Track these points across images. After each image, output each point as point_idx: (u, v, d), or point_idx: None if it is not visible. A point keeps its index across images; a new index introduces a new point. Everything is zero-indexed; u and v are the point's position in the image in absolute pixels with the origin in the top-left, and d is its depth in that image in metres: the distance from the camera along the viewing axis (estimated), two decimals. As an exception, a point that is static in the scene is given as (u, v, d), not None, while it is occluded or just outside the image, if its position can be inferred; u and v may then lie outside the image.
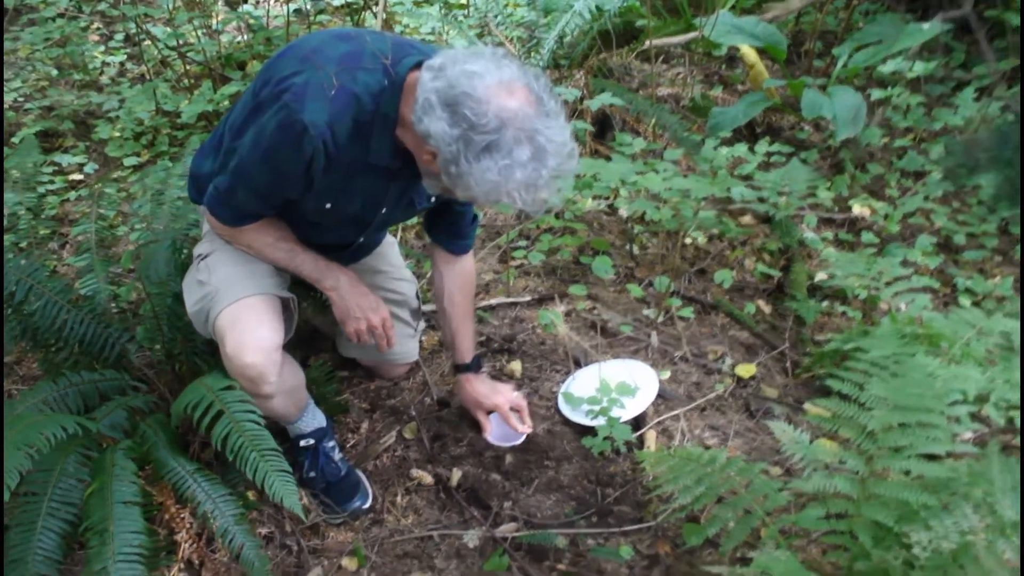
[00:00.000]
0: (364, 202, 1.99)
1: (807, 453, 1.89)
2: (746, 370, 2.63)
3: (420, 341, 2.60)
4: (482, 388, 2.36)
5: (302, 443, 2.22)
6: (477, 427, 2.36)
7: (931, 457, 1.79)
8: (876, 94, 3.73)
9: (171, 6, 4.31)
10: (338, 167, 1.82)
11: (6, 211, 2.70)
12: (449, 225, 2.23)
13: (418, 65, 1.73)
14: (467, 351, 2.35)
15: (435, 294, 2.36)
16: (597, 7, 3.96)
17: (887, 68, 3.70)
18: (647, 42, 3.92)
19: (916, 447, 1.78)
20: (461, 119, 1.60)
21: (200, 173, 2.08)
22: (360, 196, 1.96)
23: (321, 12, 4.73)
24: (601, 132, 3.81)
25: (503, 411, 2.32)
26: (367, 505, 2.21)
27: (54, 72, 4.61)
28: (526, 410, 2.37)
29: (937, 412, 1.84)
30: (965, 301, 3.05)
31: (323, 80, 1.73)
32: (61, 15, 4.97)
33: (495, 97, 1.61)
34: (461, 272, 2.29)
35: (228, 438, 1.79)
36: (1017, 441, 2.42)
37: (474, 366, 2.36)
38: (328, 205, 1.94)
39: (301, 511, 1.82)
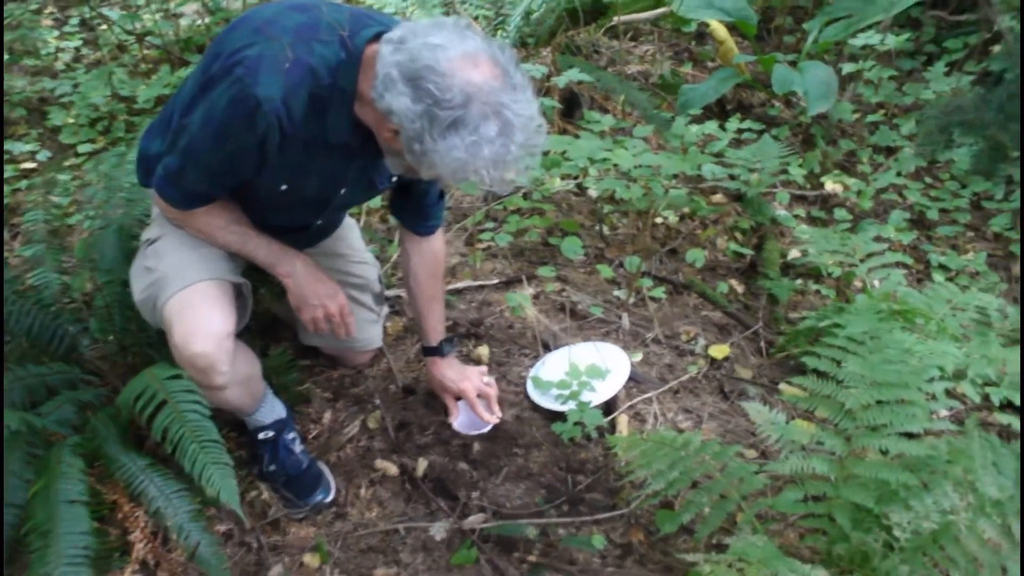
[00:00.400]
0: (322, 182, 1.89)
1: (783, 434, 1.84)
2: (719, 351, 2.57)
3: (384, 327, 2.53)
4: (450, 372, 2.29)
5: (261, 436, 2.13)
6: (444, 414, 2.29)
7: (910, 436, 1.74)
8: (847, 68, 3.68)
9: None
10: (294, 144, 1.73)
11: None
12: (414, 205, 2.14)
13: (377, 37, 1.64)
14: (434, 334, 2.27)
15: (403, 276, 2.28)
16: (564, -17, 3.89)
17: (858, 42, 3.65)
18: (615, 18, 3.84)
19: (895, 425, 1.74)
20: (424, 94, 1.52)
21: (149, 154, 1.98)
22: (317, 175, 1.86)
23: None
24: (569, 111, 3.73)
25: (470, 398, 2.25)
26: (330, 498, 2.13)
27: (5, 57, 4.46)
28: (494, 397, 2.29)
29: (915, 389, 1.80)
30: (939, 277, 3.02)
31: (277, 52, 1.63)
32: (13, -1, 4.82)
33: (459, 70, 1.52)
34: (428, 252, 2.20)
35: (168, 429, 1.70)
36: (993, 418, 2.39)
37: (441, 349, 2.28)
38: (284, 186, 1.85)
39: (239, 506, 1.72)
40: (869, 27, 3.75)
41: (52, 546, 1.63)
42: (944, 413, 2.38)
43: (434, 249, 2.22)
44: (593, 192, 3.33)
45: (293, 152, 1.75)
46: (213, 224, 1.92)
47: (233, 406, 2.01)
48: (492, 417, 2.26)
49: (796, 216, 3.31)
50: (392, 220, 3.12)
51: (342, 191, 1.95)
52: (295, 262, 1.97)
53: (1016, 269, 3.15)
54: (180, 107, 1.83)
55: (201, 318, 1.81)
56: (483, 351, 2.53)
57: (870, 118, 3.81)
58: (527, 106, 1.57)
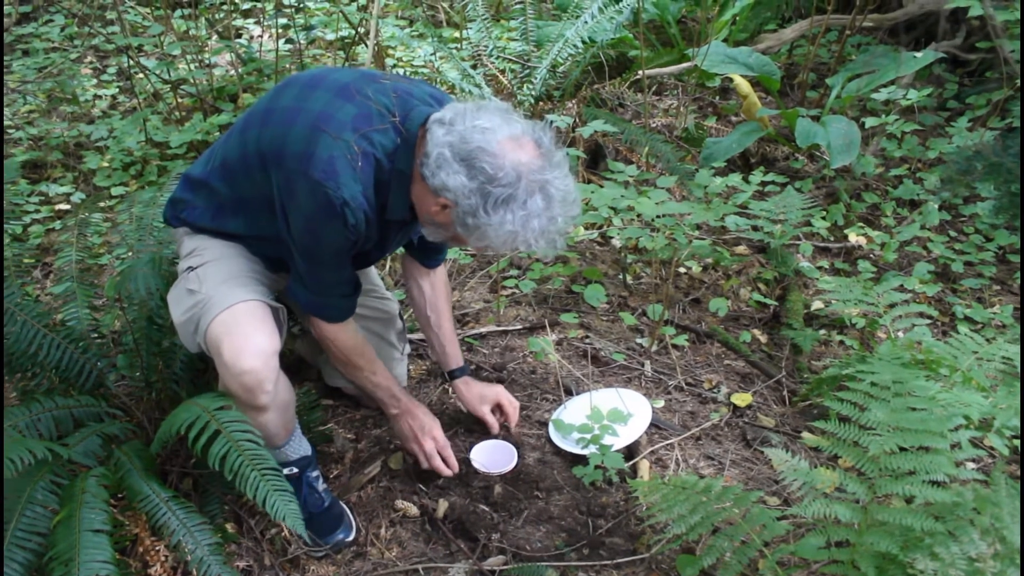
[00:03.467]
0: (374, 249, 2.04)
1: (806, 480, 1.82)
2: (742, 399, 2.56)
3: (408, 370, 2.54)
4: (480, 388, 2.41)
5: (285, 471, 2.13)
6: (465, 456, 2.29)
7: (935, 484, 1.72)
8: (870, 122, 3.71)
9: (163, 39, 4.29)
10: (370, 226, 1.87)
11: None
12: (429, 244, 2.23)
13: (425, 119, 1.79)
14: (459, 356, 2.40)
15: (416, 308, 2.38)
16: (589, 37, 3.96)
17: (880, 96, 3.68)
18: (640, 72, 3.90)
19: (920, 472, 1.72)
20: (478, 172, 1.68)
21: (175, 197, 2.12)
22: (375, 246, 2.01)
23: (312, 43, 4.73)
24: (594, 161, 3.78)
25: (504, 404, 2.37)
26: (351, 538, 2.13)
27: (44, 103, 4.59)
28: (517, 409, 2.40)
29: (939, 436, 1.78)
30: (964, 329, 2.99)
31: (345, 151, 1.76)
32: (55, 48, 4.97)
33: (509, 152, 1.69)
34: (439, 282, 2.35)
35: (226, 458, 1.71)
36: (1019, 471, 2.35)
37: (466, 369, 2.41)
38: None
39: (303, 530, 1.78)
40: (891, 83, 3.79)
41: (73, 574, 1.63)
42: (971, 464, 2.35)
43: (443, 278, 2.37)
44: (617, 241, 3.36)
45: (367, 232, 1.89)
46: (362, 348, 2.10)
47: (268, 433, 2.01)
48: (513, 423, 2.37)
49: (820, 268, 3.31)
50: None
51: (386, 252, 2.14)
52: (400, 404, 2.19)
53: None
54: (223, 169, 1.97)
55: (249, 336, 1.85)
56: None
57: (893, 172, 3.83)
58: (566, 181, 1.75)
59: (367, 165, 1.79)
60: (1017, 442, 2.27)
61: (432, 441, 2.21)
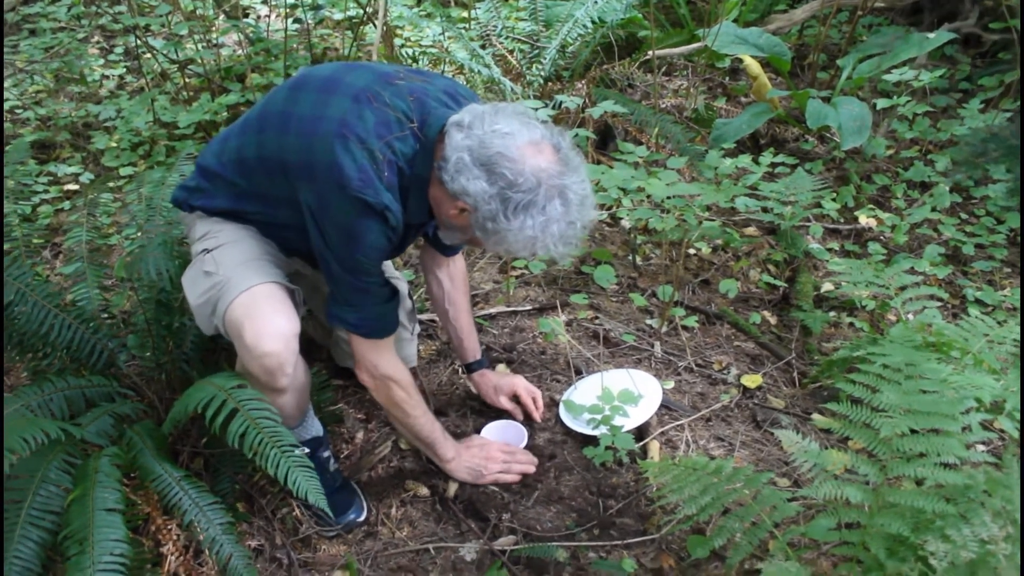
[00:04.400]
0: (395, 249, 2.03)
1: (816, 462, 1.82)
2: (752, 380, 2.56)
3: (418, 350, 2.54)
4: (495, 378, 2.42)
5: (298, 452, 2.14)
6: (477, 435, 2.30)
7: (946, 466, 1.72)
8: (881, 104, 3.68)
9: (170, 19, 4.27)
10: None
11: (-2, 220, 2.65)
12: None
13: (443, 124, 1.80)
14: (476, 348, 2.41)
15: (434, 301, 2.38)
16: (599, 17, 3.93)
17: (892, 78, 3.65)
18: (649, 53, 3.88)
19: (931, 455, 1.72)
20: (499, 178, 1.69)
21: (188, 185, 2.11)
22: (398, 245, 2.01)
23: (320, 23, 4.70)
24: (603, 142, 3.76)
25: (522, 394, 2.37)
26: (362, 518, 2.14)
27: (52, 84, 4.58)
28: (540, 397, 2.40)
29: (950, 419, 1.77)
30: (975, 312, 2.98)
31: (372, 160, 1.77)
32: (62, 28, 4.95)
33: (528, 157, 1.69)
34: (457, 271, 2.34)
35: (245, 436, 1.72)
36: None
37: (483, 361, 2.43)
38: None
39: (327, 505, 1.78)
40: (903, 63, 3.76)
41: (87, 553, 1.63)
42: (981, 447, 2.35)
43: (460, 268, 2.36)
44: (626, 222, 3.34)
45: None
46: (410, 392, 2.07)
47: (284, 414, 2.00)
48: (538, 415, 2.37)
49: (830, 249, 3.30)
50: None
51: (403, 250, 2.16)
52: (450, 445, 2.18)
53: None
54: (238, 163, 1.97)
55: (269, 318, 1.85)
56: (500, 368, 2.59)
57: (904, 154, 3.81)
58: (583, 185, 1.75)
59: (393, 174, 1.80)
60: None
61: (501, 462, 2.20)
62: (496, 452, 2.20)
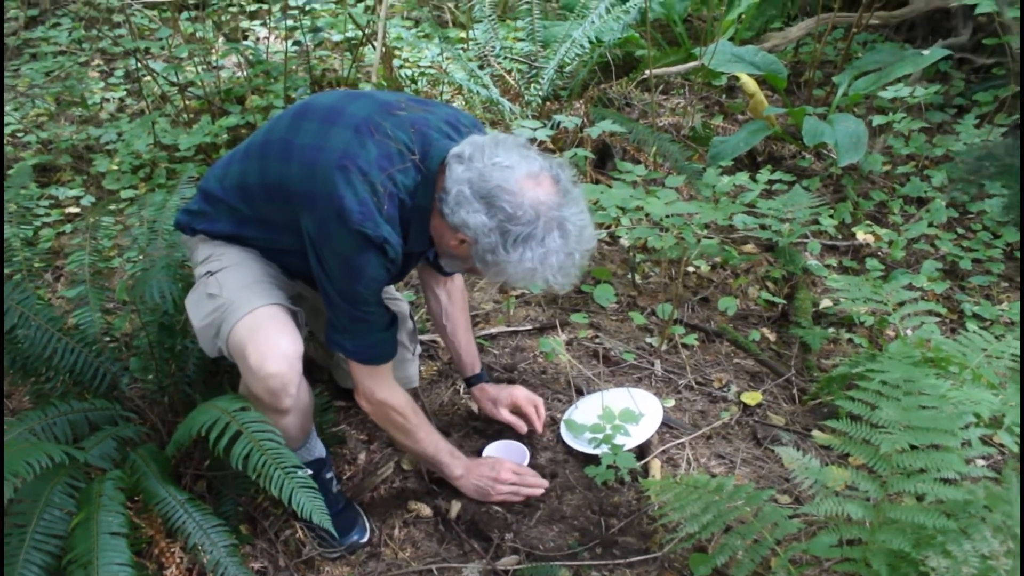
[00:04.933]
0: (396, 277, 2.05)
1: (817, 479, 1.83)
2: (752, 398, 2.57)
3: (420, 371, 2.55)
4: (494, 391, 2.42)
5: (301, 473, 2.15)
6: (478, 456, 2.30)
7: (946, 481, 1.73)
8: (877, 120, 3.71)
9: (170, 42, 4.30)
10: None
11: (1, 244, 2.67)
12: None
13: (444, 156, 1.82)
14: (475, 363, 2.42)
15: (433, 317, 2.40)
16: (596, 37, 3.97)
17: (887, 94, 3.69)
18: (647, 72, 3.91)
19: (932, 470, 1.73)
20: (498, 211, 1.71)
21: (190, 209, 2.13)
22: (398, 274, 2.02)
23: (319, 45, 4.74)
24: (601, 161, 3.79)
25: (523, 405, 2.37)
26: (365, 539, 2.15)
27: (53, 107, 4.61)
28: (541, 405, 2.40)
29: (950, 435, 1.78)
30: (973, 326, 3.00)
31: (373, 193, 1.78)
32: (62, 52, 4.99)
33: (528, 189, 1.71)
34: (455, 289, 2.37)
35: (249, 457, 1.73)
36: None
37: (483, 376, 2.43)
38: None
39: (331, 526, 1.80)
40: (898, 80, 3.80)
41: (92, 576, 1.64)
42: (981, 461, 2.36)
43: (458, 286, 2.38)
44: (625, 241, 3.36)
45: None
46: (414, 405, 2.11)
47: (288, 435, 2.00)
48: (540, 424, 2.36)
49: (828, 266, 3.32)
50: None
51: (403, 277, 2.19)
52: (458, 463, 2.18)
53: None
54: (239, 188, 1.99)
55: (273, 340, 1.86)
56: None
57: (901, 169, 3.83)
58: (582, 216, 1.76)
59: (393, 207, 1.81)
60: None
61: (508, 483, 2.19)
62: (507, 473, 2.19)
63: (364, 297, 1.88)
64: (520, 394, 2.39)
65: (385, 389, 2.04)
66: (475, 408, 2.49)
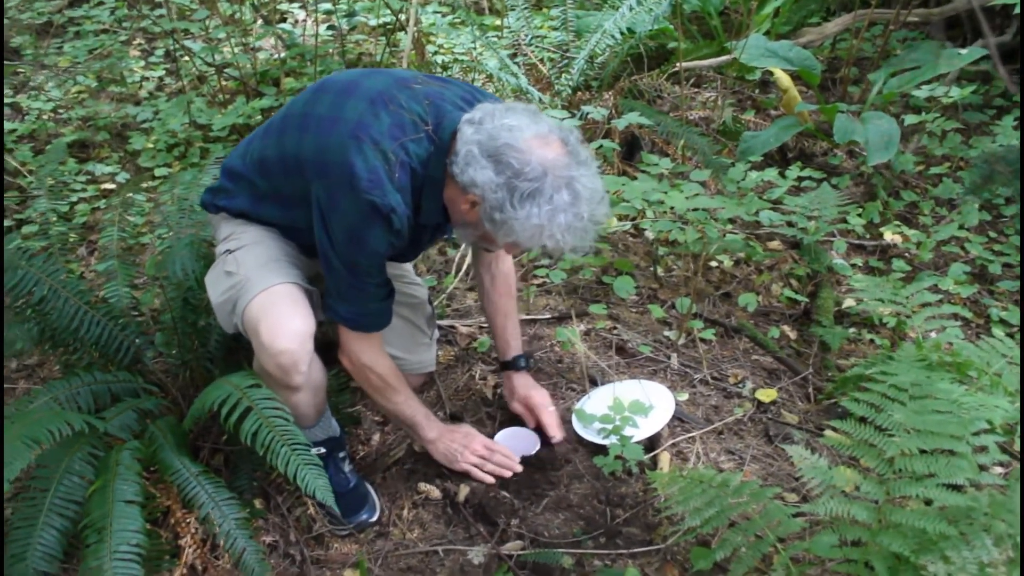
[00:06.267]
0: (407, 249, 2.09)
1: (825, 479, 1.83)
2: (767, 395, 2.57)
3: (436, 355, 2.58)
4: (518, 384, 2.42)
5: (313, 451, 2.19)
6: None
7: (954, 487, 1.72)
8: (910, 119, 3.66)
9: (208, 23, 4.36)
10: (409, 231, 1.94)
11: (38, 217, 2.74)
12: None
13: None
14: (510, 349, 2.43)
15: (480, 297, 2.46)
16: (628, 28, 3.95)
17: (922, 93, 3.63)
18: (678, 64, 3.89)
19: (938, 475, 1.72)
20: (505, 167, 1.73)
21: (214, 186, 2.19)
22: (408, 246, 2.05)
23: (353, 29, 4.77)
24: (630, 153, 3.78)
25: (539, 408, 2.37)
26: (374, 518, 2.18)
27: (94, 84, 4.70)
28: (554, 414, 2.39)
29: (962, 441, 1.78)
30: (999, 332, 2.96)
31: (384, 161, 1.82)
32: (105, 31, 5.08)
33: (535, 148, 1.73)
34: (500, 273, 2.38)
35: (258, 434, 1.78)
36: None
37: (516, 363, 2.43)
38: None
39: (334, 503, 1.84)
40: (935, 79, 3.74)
41: (105, 542, 1.70)
42: (998, 469, 2.34)
43: (505, 270, 2.39)
44: (649, 234, 3.36)
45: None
46: (397, 371, 2.16)
47: (300, 412, 2.05)
48: (558, 433, 2.35)
49: (853, 265, 3.29)
50: (450, 252, 3.21)
51: (419, 253, 2.21)
52: (433, 426, 2.23)
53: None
54: (259, 164, 2.03)
55: (285, 317, 1.91)
56: None
57: (934, 170, 3.78)
58: (593, 180, 1.78)
59: (405, 176, 1.84)
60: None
61: (477, 454, 2.23)
62: (477, 446, 2.23)
63: (365, 267, 1.93)
64: (535, 397, 2.39)
65: (369, 353, 2.08)
66: (489, 395, 2.52)
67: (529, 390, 2.41)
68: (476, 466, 2.22)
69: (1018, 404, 2.21)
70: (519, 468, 2.24)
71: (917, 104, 4.02)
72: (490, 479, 2.21)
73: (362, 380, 2.13)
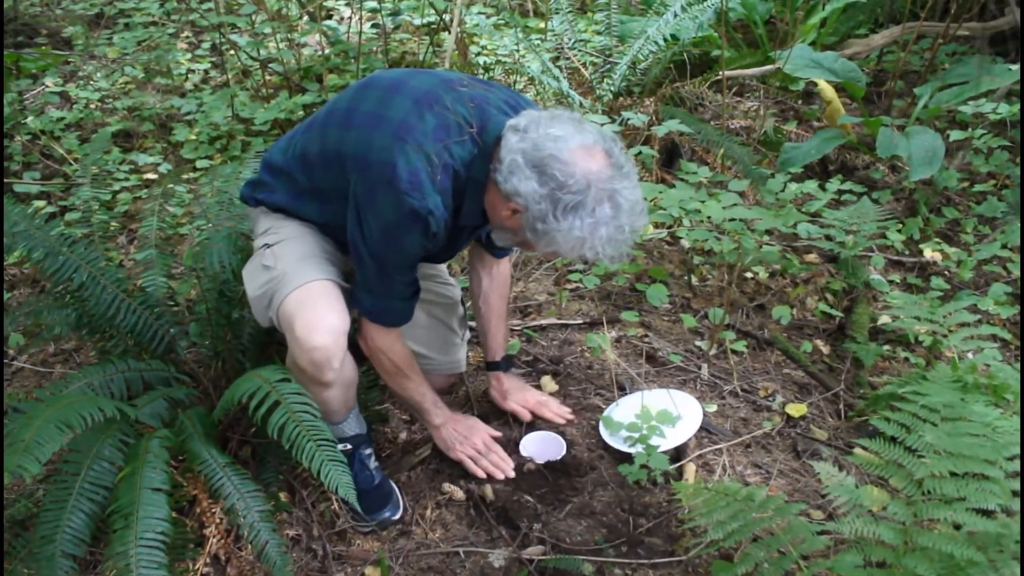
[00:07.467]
0: (443, 250, 2.10)
1: (852, 497, 1.80)
2: (797, 409, 2.54)
3: (468, 356, 2.59)
4: (510, 385, 2.47)
5: (339, 447, 2.20)
6: (516, 445, 2.34)
7: (985, 512, 1.69)
8: (956, 135, 3.60)
9: (254, 18, 4.41)
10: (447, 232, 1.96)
11: (81, 205, 2.78)
12: None
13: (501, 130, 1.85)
14: (497, 351, 2.46)
15: (472, 296, 2.47)
16: (672, 35, 3.93)
17: (969, 109, 3.57)
18: (721, 73, 3.86)
19: (969, 499, 1.69)
20: (549, 179, 1.73)
21: (253, 180, 2.22)
22: (445, 247, 2.07)
23: (397, 28, 4.80)
24: (669, 160, 3.77)
25: (532, 407, 2.41)
26: (397, 516, 2.19)
27: (141, 75, 4.78)
28: (554, 403, 2.45)
29: (995, 465, 1.74)
30: (1039, 355, 2.91)
31: (427, 163, 1.83)
32: (153, 23, 5.16)
33: (579, 160, 1.74)
34: (499, 275, 2.40)
35: (284, 428, 1.79)
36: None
37: (503, 365, 2.47)
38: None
39: (356, 500, 1.85)
40: (984, 95, 3.68)
41: (131, 528, 1.72)
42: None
43: (503, 272, 2.41)
44: (685, 242, 3.34)
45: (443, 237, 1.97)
46: (412, 359, 2.18)
47: (329, 408, 2.07)
48: (558, 418, 2.40)
49: (891, 282, 3.24)
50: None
51: (454, 253, 2.22)
52: (440, 413, 2.27)
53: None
54: (300, 157, 2.04)
55: (320, 313, 1.93)
56: (546, 380, 2.62)
57: (978, 187, 3.71)
58: (634, 192, 1.78)
59: (447, 178, 1.86)
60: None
61: (474, 448, 2.27)
62: (476, 439, 2.28)
63: (396, 265, 1.95)
64: (532, 398, 2.43)
65: (387, 340, 2.10)
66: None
67: (524, 390, 2.46)
68: (471, 458, 2.25)
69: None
70: (512, 474, 2.25)
71: (963, 119, 3.95)
72: (481, 473, 2.24)
73: (376, 362, 2.16)
